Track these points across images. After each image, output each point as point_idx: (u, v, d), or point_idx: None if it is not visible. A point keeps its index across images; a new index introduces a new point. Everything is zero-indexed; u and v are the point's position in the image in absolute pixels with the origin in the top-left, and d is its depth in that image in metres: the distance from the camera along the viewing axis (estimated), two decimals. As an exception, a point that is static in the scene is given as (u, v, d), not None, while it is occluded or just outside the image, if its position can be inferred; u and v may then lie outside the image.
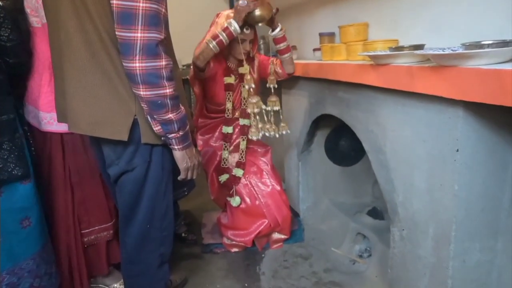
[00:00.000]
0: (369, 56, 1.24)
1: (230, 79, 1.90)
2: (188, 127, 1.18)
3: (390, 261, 1.45)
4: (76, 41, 1.05)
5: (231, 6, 3.13)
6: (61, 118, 1.23)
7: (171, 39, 1.23)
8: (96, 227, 1.60)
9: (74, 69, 1.08)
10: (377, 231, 1.85)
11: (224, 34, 1.59)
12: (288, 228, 2.05)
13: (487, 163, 1.02)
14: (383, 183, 1.40)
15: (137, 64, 0.98)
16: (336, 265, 1.90)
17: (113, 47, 1.04)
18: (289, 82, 2.22)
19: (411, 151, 1.20)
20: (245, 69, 1.78)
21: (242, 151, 2.01)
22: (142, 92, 1.02)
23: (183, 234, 2.14)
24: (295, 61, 2.00)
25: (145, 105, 1.06)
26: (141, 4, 0.95)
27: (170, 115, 1.08)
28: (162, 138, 1.16)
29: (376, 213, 2.08)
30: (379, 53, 1.23)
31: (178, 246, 2.11)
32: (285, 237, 2.06)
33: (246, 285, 1.77)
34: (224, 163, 2.02)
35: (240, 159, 2.02)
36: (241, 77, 1.90)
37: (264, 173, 2.02)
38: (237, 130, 2.03)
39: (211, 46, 1.62)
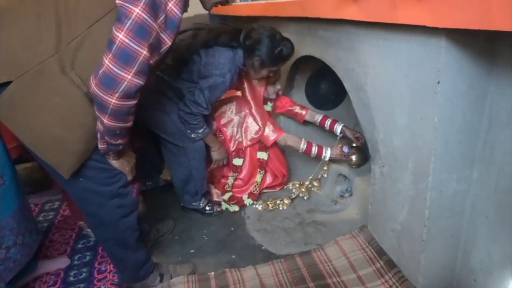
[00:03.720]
0: (350, -13, 1.17)
1: (268, 107, 2.05)
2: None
3: (371, 198, 1.50)
4: None
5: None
6: None
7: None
8: None
9: None
10: (358, 172, 1.90)
11: (315, 153, 1.89)
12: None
13: (467, 94, 1.02)
14: (364, 122, 1.40)
15: (114, 101, 0.94)
16: (318, 206, 1.97)
17: None
18: (267, 24, 2.12)
19: (392, 87, 1.19)
20: (269, 107, 2.04)
21: (257, 184, 2.00)
22: (106, 121, 0.98)
23: (207, 208, 1.96)
24: (272, 1, 1.90)
25: (104, 131, 1.02)
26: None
27: (120, 141, 1.08)
28: (100, 151, 1.12)
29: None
30: (360, -16, 1.16)
31: (162, 195, 2.12)
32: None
33: (232, 229, 1.82)
34: (228, 186, 2.01)
35: (253, 190, 2.00)
36: None
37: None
38: (247, 159, 2.01)
39: (300, 147, 1.90)
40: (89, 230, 1.75)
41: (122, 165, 1.20)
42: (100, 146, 1.08)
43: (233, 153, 1.99)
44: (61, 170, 1.09)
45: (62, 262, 1.62)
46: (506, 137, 1.00)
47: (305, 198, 2.00)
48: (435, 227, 1.18)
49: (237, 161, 1.98)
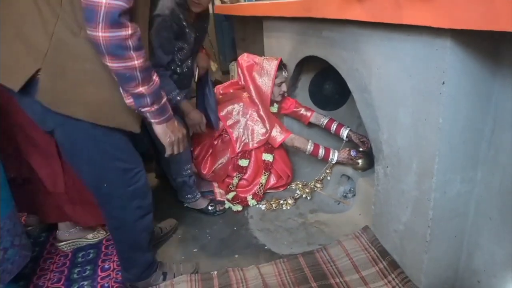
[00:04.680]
0: (355, -12, 1.17)
1: (273, 108, 2.08)
2: (164, 99, 1.09)
3: (374, 198, 1.49)
4: None
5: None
6: None
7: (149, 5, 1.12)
8: None
9: None
10: (361, 172, 1.90)
11: (323, 155, 1.90)
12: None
13: (471, 95, 1.02)
14: (368, 122, 1.40)
15: (100, 34, 0.89)
16: (321, 206, 1.97)
17: None
18: (271, 24, 2.13)
19: (396, 87, 1.19)
20: (274, 108, 2.07)
21: (261, 185, 2.00)
22: (109, 63, 0.94)
23: (209, 208, 1.94)
24: (276, 1, 1.90)
25: (115, 76, 0.98)
26: None
27: (141, 89, 0.99)
28: (136, 112, 1.08)
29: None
30: (365, -16, 1.16)
31: (166, 195, 2.13)
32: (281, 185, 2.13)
33: (235, 228, 1.82)
34: (232, 185, 2.02)
35: (258, 192, 2.00)
36: None
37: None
38: (252, 159, 2.01)
39: (307, 148, 1.90)
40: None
41: (165, 133, 1.13)
42: (127, 102, 1.03)
43: (239, 154, 1.99)
44: (132, 128, 1.09)
45: None
46: (511, 138, 1.00)
47: (309, 198, 2.00)
48: (439, 228, 1.18)
49: (243, 162, 1.99)
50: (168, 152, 1.20)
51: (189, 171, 1.89)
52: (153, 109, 1.06)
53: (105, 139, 1.12)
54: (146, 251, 1.38)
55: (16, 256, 1.30)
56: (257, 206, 1.97)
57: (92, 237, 1.75)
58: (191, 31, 1.74)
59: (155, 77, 1.04)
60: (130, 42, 0.92)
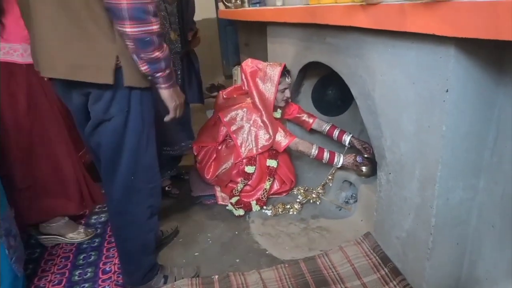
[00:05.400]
0: (360, -5, 1.18)
1: (277, 114, 2.09)
2: (171, 64, 1.15)
3: (376, 205, 1.49)
4: None
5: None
6: (35, 64, 1.15)
7: None
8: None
9: (42, 9, 0.99)
10: (363, 178, 1.90)
11: (327, 158, 1.90)
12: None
13: (475, 103, 1.02)
14: (371, 128, 1.41)
15: None
16: (323, 211, 1.96)
17: None
18: (275, 29, 2.14)
19: (400, 94, 1.20)
20: (278, 114, 2.08)
21: (265, 191, 2.01)
22: (129, 28, 0.97)
23: (166, 188, 2.16)
24: (280, 7, 1.92)
25: (131, 43, 1.00)
26: None
27: (157, 53, 1.04)
28: (149, 78, 1.12)
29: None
30: (370, -9, 1.17)
31: (168, 199, 2.13)
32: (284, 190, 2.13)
33: (236, 233, 1.82)
34: (236, 190, 2.02)
35: (262, 197, 2.00)
36: None
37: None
38: (257, 165, 2.02)
39: (311, 152, 1.91)
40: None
41: (171, 98, 1.19)
42: (142, 69, 1.07)
43: (245, 161, 2.00)
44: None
45: None
46: (514, 147, 1.00)
47: (318, 203, 2.00)
48: (441, 235, 1.17)
49: (249, 169, 1.99)
50: (171, 115, 1.25)
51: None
52: (165, 73, 1.11)
53: (151, 122, 1.23)
54: (151, 253, 1.39)
55: (13, 258, 1.28)
56: (263, 211, 1.97)
57: (70, 238, 1.77)
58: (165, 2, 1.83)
59: (164, 43, 1.09)
60: (151, 7, 0.97)
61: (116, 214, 1.32)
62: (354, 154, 1.91)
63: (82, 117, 1.21)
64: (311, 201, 2.02)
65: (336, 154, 1.91)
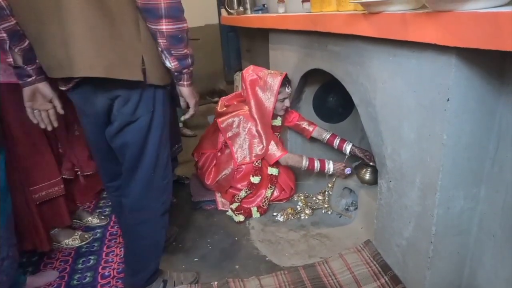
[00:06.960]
0: (361, 3, 1.19)
1: (277, 122, 2.10)
2: None
3: (376, 212, 1.49)
4: None
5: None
6: (59, 69, 1.10)
7: None
8: (45, 183, 1.60)
9: (77, 9, 0.99)
10: (364, 185, 1.90)
11: (318, 167, 1.94)
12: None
13: (476, 112, 1.02)
14: (372, 136, 1.41)
15: None
16: (323, 218, 1.96)
17: None
18: (276, 36, 2.15)
19: (401, 102, 1.20)
20: (278, 121, 2.08)
21: (267, 198, 2.02)
22: (165, 26, 1.02)
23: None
24: (283, 14, 1.93)
25: (164, 41, 1.05)
26: None
27: (186, 50, 1.10)
28: (176, 74, 1.16)
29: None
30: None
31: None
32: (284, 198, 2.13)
33: (236, 239, 1.81)
34: (238, 197, 2.02)
35: (263, 204, 2.02)
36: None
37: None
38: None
39: (302, 165, 1.93)
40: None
41: (192, 95, 1.24)
42: (172, 65, 1.11)
43: (253, 170, 2.01)
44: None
45: (50, 276, 1.59)
46: (515, 156, 1.01)
47: (330, 213, 2.00)
48: (442, 244, 1.17)
49: (255, 179, 2.00)
50: (191, 111, 1.30)
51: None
52: (190, 70, 1.17)
53: (168, 120, 1.29)
54: (159, 253, 1.40)
55: (9, 268, 1.24)
56: (276, 218, 1.97)
57: (65, 244, 1.77)
58: None
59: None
60: (182, 6, 1.04)
61: (134, 211, 1.32)
62: (344, 164, 1.94)
63: (101, 121, 1.23)
64: (323, 211, 2.01)
65: (326, 162, 1.93)
